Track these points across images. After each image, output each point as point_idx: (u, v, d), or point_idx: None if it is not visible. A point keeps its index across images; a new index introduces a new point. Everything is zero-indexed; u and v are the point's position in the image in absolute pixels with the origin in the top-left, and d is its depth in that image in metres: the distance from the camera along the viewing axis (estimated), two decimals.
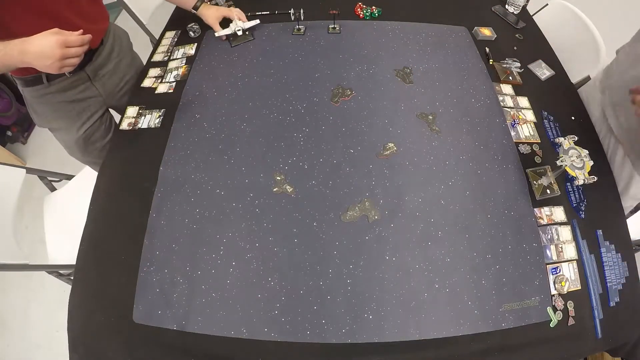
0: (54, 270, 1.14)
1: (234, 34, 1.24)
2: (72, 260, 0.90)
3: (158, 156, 1.00)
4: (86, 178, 1.32)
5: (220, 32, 1.23)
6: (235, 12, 1.24)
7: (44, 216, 1.28)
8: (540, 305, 0.81)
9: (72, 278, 0.96)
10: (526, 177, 0.96)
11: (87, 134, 1.15)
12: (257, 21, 1.27)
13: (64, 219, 1.26)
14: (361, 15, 1.34)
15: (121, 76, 1.18)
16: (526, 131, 1.04)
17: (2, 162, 1.18)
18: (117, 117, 1.37)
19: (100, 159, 1.13)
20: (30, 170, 1.24)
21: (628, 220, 0.98)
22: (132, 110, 1.12)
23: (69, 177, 1.37)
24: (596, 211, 0.94)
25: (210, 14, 1.23)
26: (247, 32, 1.26)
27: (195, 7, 1.24)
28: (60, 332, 1.58)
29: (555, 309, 0.81)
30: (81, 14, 0.94)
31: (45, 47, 0.75)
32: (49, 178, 1.34)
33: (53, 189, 1.35)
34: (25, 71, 0.95)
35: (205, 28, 1.28)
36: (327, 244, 0.86)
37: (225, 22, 1.25)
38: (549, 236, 0.88)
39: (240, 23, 1.23)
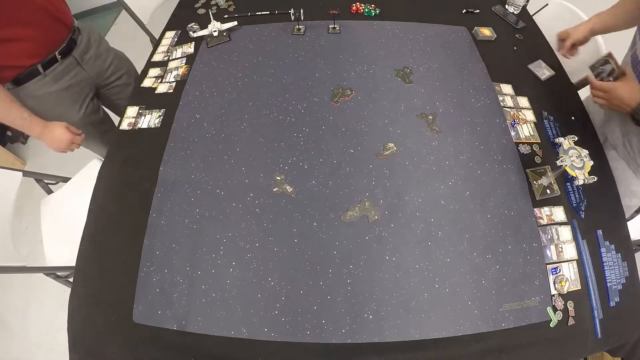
0: (52, 272, 1.14)
1: (210, 35, 1.25)
2: (70, 262, 0.90)
3: (158, 156, 1.00)
4: (82, 181, 1.32)
5: (198, 33, 1.27)
6: None
7: (40, 219, 1.28)
8: (540, 305, 0.81)
9: (70, 280, 0.96)
10: (526, 177, 0.96)
11: (87, 113, 1.22)
12: (235, 23, 1.28)
13: (61, 221, 1.26)
14: (360, 11, 1.34)
15: (104, 58, 1.26)
16: (526, 131, 1.04)
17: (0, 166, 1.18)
18: (114, 117, 1.38)
19: (102, 144, 1.33)
20: (26, 173, 1.25)
21: (628, 222, 0.98)
22: (132, 110, 1.12)
23: (66, 180, 1.37)
24: (596, 211, 0.94)
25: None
26: (224, 34, 1.27)
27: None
28: (60, 332, 1.58)
29: (555, 309, 0.81)
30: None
31: (61, 139, 1.11)
32: (46, 181, 1.34)
33: (50, 192, 1.35)
34: (20, 69, 1.03)
35: (205, 27, 1.28)
36: (327, 244, 0.86)
37: (204, 23, 1.27)
38: (549, 236, 0.88)
39: (217, 24, 1.24)
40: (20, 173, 1.22)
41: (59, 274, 1.16)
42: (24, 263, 1.06)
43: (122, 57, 1.36)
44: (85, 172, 1.34)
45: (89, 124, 1.25)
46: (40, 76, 1.07)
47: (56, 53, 1.08)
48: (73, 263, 0.89)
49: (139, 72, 1.27)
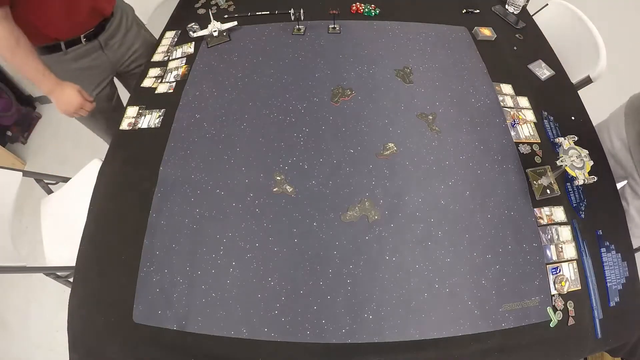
0: (52, 272, 1.14)
1: (210, 35, 1.25)
2: (70, 262, 0.89)
3: (158, 156, 1.00)
4: (82, 181, 1.32)
5: (198, 33, 1.27)
6: None
7: (40, 219, 1.28)
8: (540, 305, 0.81)
9: (69, 280, 0.95)
10: (526, 177, 0.96)
11: (100, 97, 1.26)
12: (235, 23, 1.28)
13: (61, 221, 1.26)
14: (360, 11, 1.34)
15: (129, 46, 1.28)
16: (526, 131, 1.04)
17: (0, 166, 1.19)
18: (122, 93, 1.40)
19: (108, 129, 1.35)
20: (26, 174, 1.25)
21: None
22: (132, 110, 1.12)
23: (66, 180, 1.37)
24: (596, 211, 0.94)
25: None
26: (224, 34, 1.27)
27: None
28: (60, 332, 1.58)
29: (555, 309, 0.81)
30: None
31: (71, 101, 1.09)
32: (46, 181, 1.34)
33: (50, 192, 1.35)
34: (44, 39, 1.07)
35: (205, 27, 1.28)
36: (327, 244, 0.86)
37: (204, 23, 1.26)
38: (549, 236, 0.88)
39: (217, 24, 1.24)
40: (20, 173, 1.22)
41: (59, 274, 1.16)
42: (24, 263, 1.06)
43: (150, 43, 1.36)
44: (85, 172, 1.34)
45: (98, 111, 1.26)
46: (61, 52, 1.10)
47: (82, 36, 1.11)
48: (73, 263, 0.89)
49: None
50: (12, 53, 0.96)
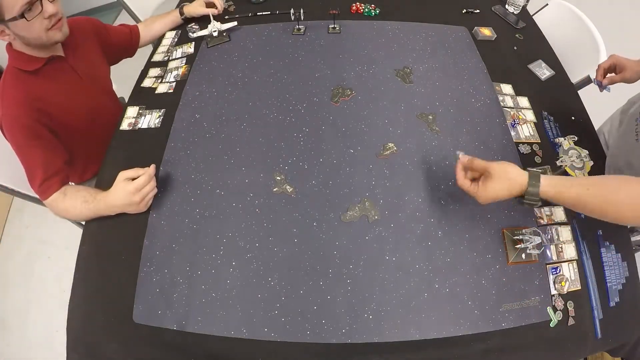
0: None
1: (210, 35, 1.25)
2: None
3: (158, 156, 1.00)
4: None
5: (198, 33, 1.27)
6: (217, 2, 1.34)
7: None
8: (540, 305, 0.81)
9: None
10: None
11: None
12: (235, 23, 1.28)
13: None
14: (360, 11, 1.35)
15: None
16: (526, 131, 1.04)
17: None
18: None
19: None
20: None
21: None
22: (132, 110, 1.12)
23: None
24: None
25: (194, 7, 1.33)
26: (224, 34, 1.27)
27: (181, 13, 1.34)
28: (60, 332, 1.58)
29: (555, 309, 0.80)
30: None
31: (126, 200, 0.86)
32: None
33: None
34: None
35: (205, 27, 1.28)
36: (327, 244, 0.86)
37: (204, 23, 1.27)
38: (549, 236, 0.88)
39: (217, 24, 1.24)
40: None
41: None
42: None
43: None
44: None
45: None
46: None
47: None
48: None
49: (139, 72, 1.27)
50: (81, 211, 0.91)
